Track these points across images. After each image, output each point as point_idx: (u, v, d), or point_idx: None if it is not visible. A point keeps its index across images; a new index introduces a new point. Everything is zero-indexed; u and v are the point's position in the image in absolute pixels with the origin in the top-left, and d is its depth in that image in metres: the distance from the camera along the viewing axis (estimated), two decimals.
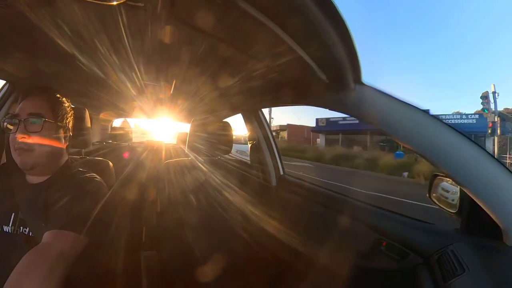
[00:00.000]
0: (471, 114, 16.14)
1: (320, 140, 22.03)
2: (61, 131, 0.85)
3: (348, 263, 1.11)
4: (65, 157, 0.91)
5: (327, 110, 0.96)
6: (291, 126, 24.84)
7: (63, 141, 0.87)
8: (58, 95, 0.87)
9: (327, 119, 20.31)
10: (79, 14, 0.67)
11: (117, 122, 2.90)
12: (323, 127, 20.79)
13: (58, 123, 0.83)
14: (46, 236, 0.70)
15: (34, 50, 0.94)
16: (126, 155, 2.06)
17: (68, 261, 0.68)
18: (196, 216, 1.32)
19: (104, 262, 0.88)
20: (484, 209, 0.67)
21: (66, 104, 0.89)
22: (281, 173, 1.75)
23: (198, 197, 1.36)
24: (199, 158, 1.44)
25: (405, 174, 10.71)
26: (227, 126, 1.50)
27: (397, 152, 13.51)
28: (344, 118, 18.26)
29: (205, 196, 1.38)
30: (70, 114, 0.90)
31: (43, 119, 0.78)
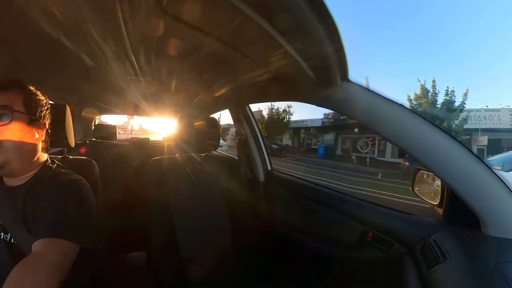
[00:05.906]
0: None
1: None
2: (35, 125, 0.79)
3: (337, 254, 1.14)
4: (44, 157, 0.85)
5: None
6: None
7: (37, 136, 0.80)
8: (32, 88, 0.81)
9: None
10: None
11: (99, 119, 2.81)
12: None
13: (31, 116, 0.77)
14: (37, 245, 0.65)
15: (11, 38, 0.87)
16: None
17: (64, 272, 0.64)
18: (184, 214, 1.31)
19: (93, 265, 0.86)
20: (464, 201, 0.71)
21: (41, 98, 0.83)
22: (269, 168, 1.76)
23: (186, 194, 1.35)
24: (185, 154, 1.42)
25: None
26: (214, 122, 1.49)
27: None
28: None
29: (192, 193, 1.37)
30: (46, 108, 0.83)
31: (13, 109, 0.73)
